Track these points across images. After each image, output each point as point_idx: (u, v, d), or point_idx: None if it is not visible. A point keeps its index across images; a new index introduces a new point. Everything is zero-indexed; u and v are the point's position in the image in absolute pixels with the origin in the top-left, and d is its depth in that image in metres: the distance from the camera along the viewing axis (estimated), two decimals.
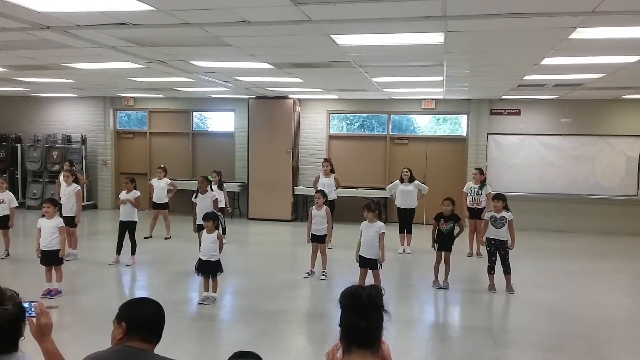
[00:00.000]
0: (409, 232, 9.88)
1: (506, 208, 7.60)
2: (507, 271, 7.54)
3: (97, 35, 5.69)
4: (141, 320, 2.42)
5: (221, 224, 8.46)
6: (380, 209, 6.97)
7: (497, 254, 7.51)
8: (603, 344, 5.74)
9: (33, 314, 2.38)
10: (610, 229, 12.10)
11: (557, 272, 8.92)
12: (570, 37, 5.45)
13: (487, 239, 7.62)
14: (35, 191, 14.37)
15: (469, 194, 9.85)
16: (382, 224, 6.88)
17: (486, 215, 7.79)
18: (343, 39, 5.84)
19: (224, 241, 9.88)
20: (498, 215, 7.53)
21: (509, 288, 7.52)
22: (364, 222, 6.90)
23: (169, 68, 8.08)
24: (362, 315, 2.03)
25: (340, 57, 6.91)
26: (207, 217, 6.79)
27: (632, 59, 6.85)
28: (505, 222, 7.49)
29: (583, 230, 12.18)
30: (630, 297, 7.81)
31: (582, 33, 5.30)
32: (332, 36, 5.65)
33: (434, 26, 5.11)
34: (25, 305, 2.34)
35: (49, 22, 5.17)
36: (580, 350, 5.56)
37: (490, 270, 7.59)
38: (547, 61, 6.98)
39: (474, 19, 4.80)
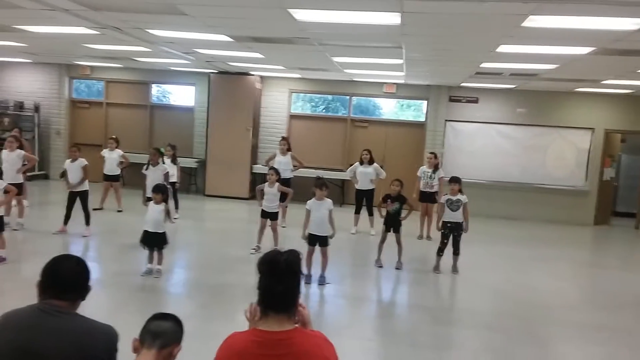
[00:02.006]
0: (370, 214, 9.96)
1: (461, 191, 7.77)
2: (456, 252, 7.73)
3: None
4: (54, 277, 2.35)
5: (171, 198, 8.36)
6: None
7: (451, 237, 7.68)
8: (538, 324, 5.98)
9: None
10: (558, 218, 12.52)
11: (502, 256, 9.21)
12: (523, 24, 5.55)
13: (443, 222, 7.75)
14: None
15: (422, 178, 10.01)
16: (330, 200, 6.94)
17: (442, 199, 7.92)
18: (300, 14, 5.79)
19: (175, 216, 9.87)
20: (454, 198, 7.68)
21: (454, 269, 7.72)
22: (311, 200, 6.90)
23: (125, 36, 7.87)
24: (279, 280, 2.04)
25: (299, 33, 6.87)
26: (156, 189, 6.72)
27: (584, 50, 7.02)
28: (461, 204, 7.64)
29: (531, 218, 12.56)
30: (567, 282, 8.14)
31: (535, 21, 5.40)
32: (290, 10, 5.60)
33: (390, 5, 5.12)
34: None
35: None
36: (516, 329, 5.78)
37: (440, 252, 7.76)
38: (502, 49, 7.11)
39: (429, 0, 4.83)
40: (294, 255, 2.11)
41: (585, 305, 7.05)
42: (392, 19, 5.68)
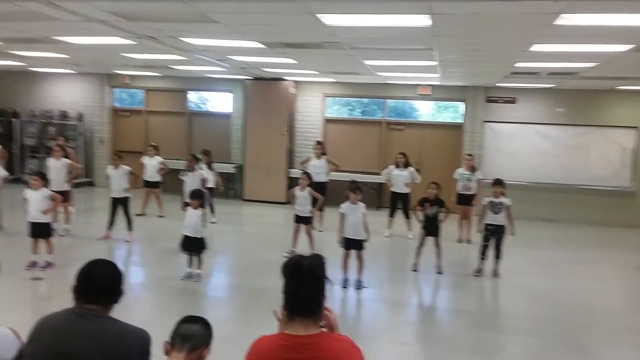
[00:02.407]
0: (407, 217, 9.88)
1: (504, 194, 7.61)
2: (498, 256, 7.59)
3: (83, 7, 5.68)
4: (89, 282, 2.42)
5: (207, 203, 8.51)
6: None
7: (492, 240, 7.52)
8: (579, 329, 5.83)
9: None
10: (601, 219, 12.12)
11: (543, 259, 8.99)
12: (555, 22, 5.42)
13: (485, 224, 7.61)
14: (32, 166, 14.41)
15: (459, 180, 9.88)
16: (363, 204, 6.92)
17: (485, 201, 7.77)
18: (330, 19, 5.81)
19: (213, 220, 10.05)
20: (496, 200, 7.54)
21: (495, 273, 7.58)
22: (344, 204, 6.90)
23: (160, 45, 8.06)
24: (303, 284, 2.06)
25: (329, 37, 6.89)
26: (193, 194, 6.86)
27: (623, 47, 6.80)
28: (503, 207, 7.49)
29: (574, 220, 12.20)
30: (611, 286, 7.89)
31: (567, 19, 5.26)
32: (318, 15, 5.63)
33: (419, 8, 5.09)
34: None
35: None
36: (556, 334, 5.64)
37: (482, 255, 7.63)
38: (536, 48, 6.95)
39: (456, 1, 4.78)
40: (317, 259, 2.12)
41: (629, 309, 6.83)
42: (422, 21, 5.63)
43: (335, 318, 2.26)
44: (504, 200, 7.53)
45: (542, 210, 12.38)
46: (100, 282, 2.43)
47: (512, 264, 8.18)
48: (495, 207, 7.52)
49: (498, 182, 7.71)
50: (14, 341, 2.26)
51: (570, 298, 6.94)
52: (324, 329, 2.15)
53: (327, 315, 2.20)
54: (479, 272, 7.61)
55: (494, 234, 7.54)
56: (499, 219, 7.51)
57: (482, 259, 7.62)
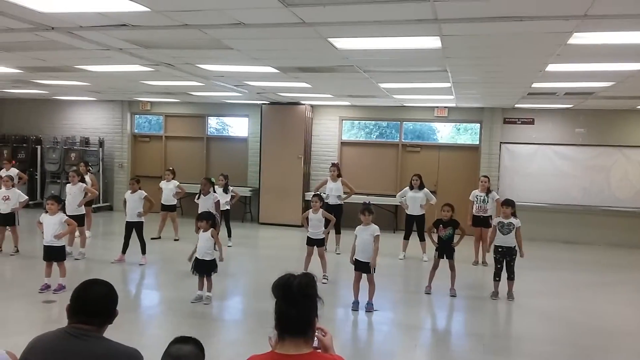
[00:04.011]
0: (422, 239, 9.79)
1: (514, 215, 7.52)
2: (510, 277, 7.46)
3: (101, 36, 5.83)
4: (82, 302, 2.43)
5: (217, 224, 8.49)
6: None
7: (504, 261, 7.43)
8: (597, 353, 5.66)
9: None
10: (622, 241, 11.86)
11: (561, 281, 8.81)
12: (569, 42, 5.40)
13: (495, 246, 7.54)
14: (53, 191, 14.63)
15: (475, 202, 9.78)
16: (377, 227, 6.84)
17: (494, 221, 7.70)
18: (341, 43, 5.88)
19: (229, 244, 10.08)
20: (506, 221, 7.46)
21: (510, 295, 7.45)
22: (359, 226, 6.88)
23: (178, 71, 8.22)
24: (292, 304, 2.04)
25: (342, 61, 6.95)
26: (201, 216, 6.92)
27: (638, 66, 6.75)
28: (513, 228, 7.39)
29: (594, 242, 11.96)
30: (630, 308, 7.67)
31: (581, 38, 5.25)
32: (330, 39, 5.70)
33: (428, 30, 5.12)
34: None
35: (52, 23, 5.32)
36: (572, 357, 5.48)
37: (496, 277, 7.52)
38: (551, 68, 6.92)
39: (466, 23, 4.79)
40: (307, 278, 2.10)
41: None
42: (433, 42, 5.66)
43: (330, 338, 2.23)
44: (514, 221, 7.42)
45: (562, 232, 12.18)
46: (93, 303, 2.43)
47: (530, 286, 8.03)
48: (505, 228, 7.42)
49: (507, 203, 7.62)
50: None
51: (588, 321, 6.76)
52: (318, 350, 2.12)
53: (319, 336, 2.18)
54: (494, 295, 7.48)
55: (504, 256, 7.42)
56: (508, 240, 7.39)
57: (496, 280, 7.50)
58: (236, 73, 8.42)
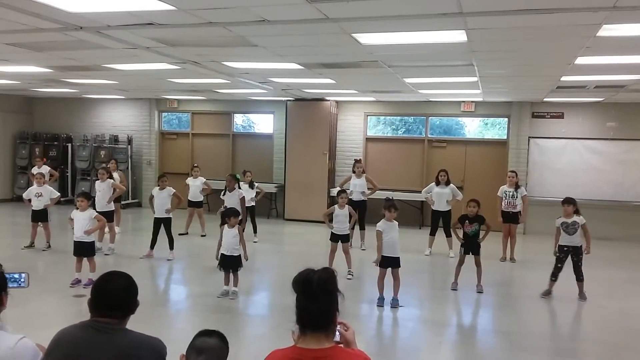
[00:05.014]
0: (448, 235, 9.68)
1: (577, 212, 7.31)
2: (579, 278, 7.25)
3: (129, 35, 5.93)
4: (103, 295, 2.44)
5: (244, 221, 8.55)
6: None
7: (568, 261, 7.22)
8: (630, 352, 5.53)
9: (24, 285, 2.50)
10: None
11: (595, 279, 8.59)
12: (598, 34, 5.29)
13: (560, 246, 7.30)
14: (83, 188, 14.92)
15: (503, 198, 9.65)
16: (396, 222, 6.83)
17: (557, 222, 7.41)
18: (365, 38, 5.86)
19: (255, 239, 10.16)
20: (569, 220, 7.25)
21: (582, 296, 7.25)
22: (381, 222, 6.79)
23: (203, 69, 8.30)
24: (313, 299, 2.05)
25: (366, 56, 6.93)
26: (227, 212, 6.97)
27: None
28: (578, 226, 7.19)
29: (628, 238, 11.68)
30: None
31: (610, 30, 5.13)
32: (354, 35, 5.68)
33: (453, 24, 5.07)
34: (15, 275, 2.45)
35: (81, 23, 5.43)
36: (602, 355, 5.38)
37: (553, 276, 7.33)
38: (580, 60, 6.78)
39: (492, 16, 4.73)
40: (327, 273, 2.10)
41: None
42: (458, 36, 5.60)
43: (352, 333, 2.23)
44: (577, 219, 7.21)
45: (594, 228, 11.76)
46: (114, 295, 2.44)
47: (559, 282, 7.88)
48: (570, 228, 7.19)
49: (568, 201, 7.33)
50: (37, 354, 2.31)
51: (618, 318, 6.62)
52: (340, 344, 2.13)
53: (340, 331, 2.18)
54: (547, 294, 7.30)
55: (571, 255, 7.19)
56: (575, 239, 7.17)
57: (553, 280, 7.30)
58: (261, 70, 8.47)
